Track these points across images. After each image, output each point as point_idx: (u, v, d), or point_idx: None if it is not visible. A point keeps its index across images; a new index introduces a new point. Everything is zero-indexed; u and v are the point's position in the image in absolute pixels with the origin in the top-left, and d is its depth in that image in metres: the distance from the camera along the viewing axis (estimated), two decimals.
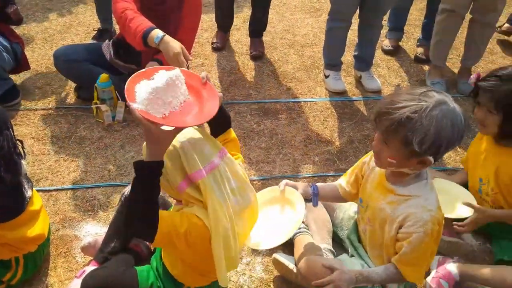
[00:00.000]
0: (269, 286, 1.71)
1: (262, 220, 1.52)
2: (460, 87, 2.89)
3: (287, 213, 1.56)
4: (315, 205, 1.65)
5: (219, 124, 1.50)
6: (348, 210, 1.82)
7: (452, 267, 1.68)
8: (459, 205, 1.78)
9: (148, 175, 1.22)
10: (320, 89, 2.92)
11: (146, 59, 2.45)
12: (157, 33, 2.09)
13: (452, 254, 1.80)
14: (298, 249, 1.66)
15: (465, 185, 1.92)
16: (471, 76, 1.70)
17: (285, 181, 1.61)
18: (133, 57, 2.52)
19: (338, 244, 1.84)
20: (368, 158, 1.59)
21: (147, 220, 1.24)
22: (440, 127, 1.23)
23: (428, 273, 1.70)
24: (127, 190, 1.65)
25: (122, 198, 1.65)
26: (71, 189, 2.07)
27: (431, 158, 1.30)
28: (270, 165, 2.29)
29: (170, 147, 1.28)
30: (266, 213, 1.58)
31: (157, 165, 1.22)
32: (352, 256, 1.70)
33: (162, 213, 1.28)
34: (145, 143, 1.28)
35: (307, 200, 1.67)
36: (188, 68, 2.14)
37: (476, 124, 2.51)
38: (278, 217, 1.56)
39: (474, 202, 1.76)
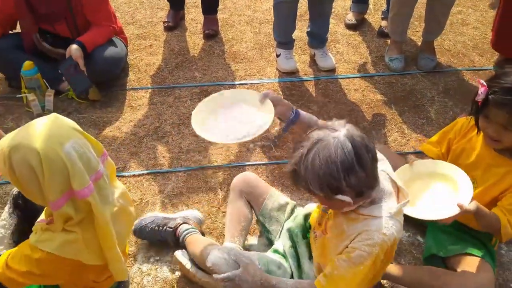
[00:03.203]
0: (173, 286, 1.61)
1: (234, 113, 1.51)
2: (420, 63, 2.68)
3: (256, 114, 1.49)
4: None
5: None
6: (277, 199, 1.67)
7: None
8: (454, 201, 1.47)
9: None
10: (271, 69, 2.74)
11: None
12: None
13: None
14: (194, 248, 1.55)
15: None
16: (479, 91, 1.40)
17: (268, 91, 1.51)
18: (61, 41, 2.39)
19: (263, 237, 1.72)
20: None
21: None
22: (314, 170, 1.12)
23: None
24: (15, 189, 1.55)
25: (11, 199, 1.55)
26: None
27: (341, 197, 1.15)
28: (201, 154, 2.16)
29: (53, 156, 1.12)
30: (235, 110, 1.53)
31: None
32: (281, 254, 1.56)
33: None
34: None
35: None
36: None
37: (417, 114, 2.23)
38: (246, 115, 1.49)
39: (471, 192, 1.47)
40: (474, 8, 3.29)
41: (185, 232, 1.62)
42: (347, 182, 1.12)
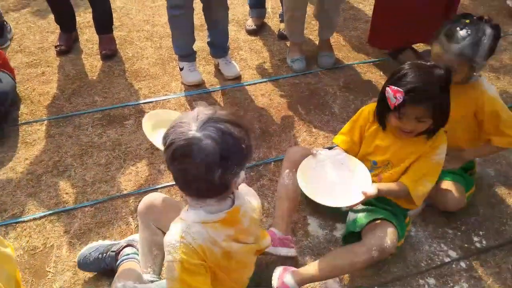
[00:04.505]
0: None
1: None
2: (319, 61, 2.77)
3: None
4: None
5: None
6: None
7: (288, 278, 1.54)
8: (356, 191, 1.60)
9: None
10: (176, 84, 2.67)
11: None
12: None
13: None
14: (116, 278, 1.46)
15: None
16: (396, 97, 1.48)
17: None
18: None
19: None
20: None
21: None
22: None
23: None
24: None
25: None
26: None
27: None
28: (108, 184, 2.03)
29: None
30: None
31: None
32: None
33: None
34: None
35: None
36: None
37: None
38: None
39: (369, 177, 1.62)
40: (364, 3, 3.48)
41: (124, 258, 1.52)
42: (168, 160, 1.12)
